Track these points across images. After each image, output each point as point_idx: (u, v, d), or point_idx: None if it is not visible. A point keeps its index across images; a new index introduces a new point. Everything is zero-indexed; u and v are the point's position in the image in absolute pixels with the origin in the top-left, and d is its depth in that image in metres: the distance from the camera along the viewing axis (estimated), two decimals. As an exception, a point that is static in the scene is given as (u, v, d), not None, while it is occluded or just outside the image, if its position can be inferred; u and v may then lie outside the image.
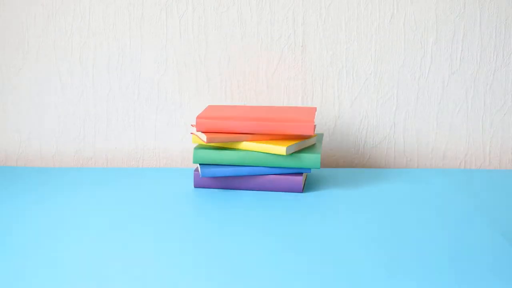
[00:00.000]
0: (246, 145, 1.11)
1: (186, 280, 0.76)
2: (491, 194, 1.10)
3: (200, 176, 1.12)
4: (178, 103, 1.31)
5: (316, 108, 1.22)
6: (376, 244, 0.88)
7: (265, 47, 1.28)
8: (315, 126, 1.11)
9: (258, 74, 1.29)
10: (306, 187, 1.14)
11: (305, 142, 1.13)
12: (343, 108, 1.30)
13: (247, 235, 0.91)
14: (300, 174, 1.11)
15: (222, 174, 1.10)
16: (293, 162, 1.09)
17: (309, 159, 1.09)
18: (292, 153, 1.10)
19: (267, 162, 1.10)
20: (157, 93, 1.30)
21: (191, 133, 1.15)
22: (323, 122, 1.31)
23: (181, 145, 1.33)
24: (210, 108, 1.21)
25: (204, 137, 1.11)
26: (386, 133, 1.31)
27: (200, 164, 1.12)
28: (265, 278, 0.77)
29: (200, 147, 1.12)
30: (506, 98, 1.29)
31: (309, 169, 1.10)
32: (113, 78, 1.30)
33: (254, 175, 1.11)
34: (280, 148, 1.08)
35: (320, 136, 1.22)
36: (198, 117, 1.12)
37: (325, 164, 1.32)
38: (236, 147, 1.11)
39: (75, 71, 1.30)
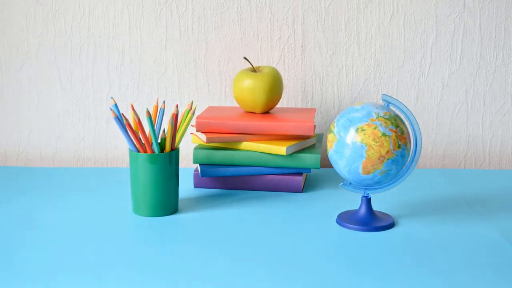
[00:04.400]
0: (246, 145, 1.11)
1: (184, 280, 0.76)
2: (491, 194, 1.10)
3: (200, 176, 1.12)
4: (178, 103, 1.31)
5: (315, 109, 1.22)
6: (376, 242, 0.88)
7: (265, 47, 1.28)
8: (315, 126, 1.11)
9: (258, 74, 1.29)
10: (306, 187, 1.14)
11: (305, 142, 1.13)
12: (343, 108, 1.30)
13: (246, 235, 0.91)
14: (300, 174, 1.11)
15: (222, 174, 1.10)
16: (293, 162, 1.09)
17: (309, 159, 1.09)
18: (292, 153, 1.10)
19: (267, 162, 1.10)
20: (157, 93, 1.30)
21: (191, 133, 1.15)
22: (323, 122, 1.31)
23: (181, 145, 1.33)
24: (210, 108, 1.21)
25: (204, 137, 1.11)
26: (386, 133, 1.31)
27: (200, 164, 1.12)
28: (265, 278, 0.77)
29: (200, 147, 1.12)
30: (506, 98, 1.29)
31: (309, 169, 1.10)
32: (113, 78, 1.30)
33: (254, 175, 1.11)
34: (280, 148, 1.08)
35: (320, 136, 1.22)
36: (198, 118, 1.12)
37: (325, 164, 1.32)
38: (236, 147, 1.11)
39: (75, 71, 1.30)
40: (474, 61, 1.28)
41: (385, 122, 0.89)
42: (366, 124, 0.89)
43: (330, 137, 0.92)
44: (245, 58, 1.16)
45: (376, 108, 0.90)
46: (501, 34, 1.27)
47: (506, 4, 1.26)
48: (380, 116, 0.89)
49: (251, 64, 1.17)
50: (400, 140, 0.90)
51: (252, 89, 1.13)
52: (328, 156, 0.93)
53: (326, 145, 0.94)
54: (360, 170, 0.90)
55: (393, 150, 0.89)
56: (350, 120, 0.90)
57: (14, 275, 0.77)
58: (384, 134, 0.89)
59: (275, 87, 1.14)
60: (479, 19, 1.27)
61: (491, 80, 1.29)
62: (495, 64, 1.28)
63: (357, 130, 0.89)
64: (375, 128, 0.89)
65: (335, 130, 0.91)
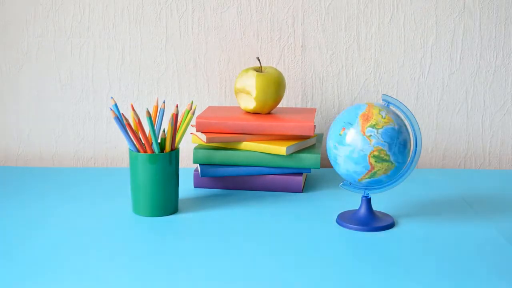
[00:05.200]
0: (246, 145, 1.11)
1: (184, 280, 0.76)
2: (491, 194, 1.10)
3: (200, 176, 1.12)
4: (178, 103, 1.31)
5: (316, 109, 1.22)
6: (376, 242, 0.88)
7: (265, 47, 1.28)
8: (315, 126, 1.11)
9: (258, 74, 1.29)
10: (306, 187, 1.14)
11: (305, 143, 1.13)
12: (343, 108, 1.30)
13: (246, 235, 0.91)
14: (300, 174, 1.11)
15: (222, 174, 1.10)
16: (293, 162, 1.09)
17: (309, 159, 1.09)
18: (292, 153, 1.10)
19: (267, 162, 1.10)
20: (157, 93, 1.30)
21: (191, 133, 1.15)
22: (322, 122, 1.31)
23: (181, 145, 1.33)
24: (210, 108, 1.21)
25: (204, 137, 1.11)
26: (386, 133, 1.31)
27: (200, 164, 1.12)
28: (264, 278, 0.77)
29: (200, 147, 1.12)
30: (506, 98, 1.29)
31: (309, 169, 1.10)
32: (112, 78, 1.30)
33: (254, 175, 1.11)
34: (280, 148, 1.08)
35: (320, 136, 1.22)
36: (198, 118, 1.12)
37: (325, 164, 1.32)
38: (236, 147, 1.11)
39: (75, 71, 1.30)
40: (474, 61, 1.28)
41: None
42: (409, 141, 0.92)
43: (384, 165, 0.89)
44: (257, 59, 1.16)
45: (401, 118, 0.92)
46: (501, 34, 1.27)
47: (506, 4, 1.26)
48: (406, 125, 0.93)
49: (260, 65, 1.16)
50: None
51: (265, 88, 1.13)
52: (373, 180, 0.91)
53: (368, 170, 0.91)
54: None
55: None
56: (404, 145, 0.90)
57: (14, 275, 0.77)
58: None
59: (282, 87, 1.15)
60: (479, 19, 1.27)
61: (491, 80, 1.29)
62: (495, 64, 1.28)
63: (409, 150, 0.92)
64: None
65: (391, 158, 0.89)
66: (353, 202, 1.06)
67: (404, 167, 0.93)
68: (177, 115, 0.98)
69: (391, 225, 0.94)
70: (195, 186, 1.13)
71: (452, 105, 1.30)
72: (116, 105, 0.98)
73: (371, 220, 0.94)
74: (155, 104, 1.09)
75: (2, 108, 1.32)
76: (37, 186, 1.14)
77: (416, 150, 0.94)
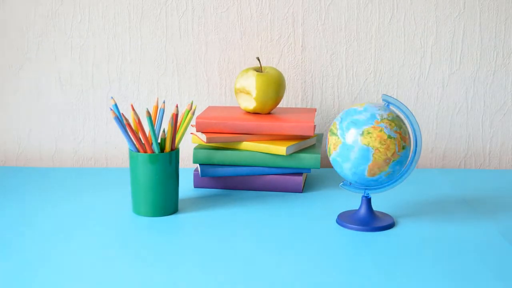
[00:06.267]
0: (246, 145, 1.11)
1: (184, 280, 0.76)
2: (491, 194, 1.10)
3: (200, 176, 1.12)
4: (178, 103, 1.31)
5: (316, 109, 1.22)
6: (376, 242, 0.88)
7: (265, 47, 1.28)
8: (315, 126, 1.11)
9: (258, 74, 1.29)
10: (306, 187, 1.14)
11: (305, 143, 1.13)
12: (343, 108, 1.30)
13: (246, 235, 0.91)
14: (300, 174, 1.11)
15: (222, 174, 1.10)
16: (293, 162, 1.09)
17: (309, 159, 1.09)
18: (292, 153, 1.10)
19: (267, 162, 1.10)
20: (157, 93, 1.30)
21: (191, 133, 1.15)
22: (322, 122, 1.31)
23: (181, 145, 1.33)
24: (210, 108, 1.21)
25: (204, 137, 1.11)
26: (386, 133, 1.31)
27: (200, 164, 1.12)
28: (264, 278, 0.77)
29: (200, 147, 1.12)
30: (506, 98, 1.29)
31: (309, 169, 1.10)
32: (113, 78, 1.30)
33: (254, 175, 1.11)
34: (280, 148, 1.08)
35: (320, 136, 1.22)
36: (198, 118, 1.12)
37: (325, 164, 1.32)
38: (236, 147, 1.11)
39: (75, 71, 1.30)
40: (474, 61, 1.28)
41: (390, 124, 0.89)
42: (372, 127, 0.89)
43: (333, 139, 0.91)
44: (257, 59, 1.16)
45: (379, 109, 0.90)
46: (501, 34, 1.27)
47: (506, 4, 1.26)
48: (384, 118, 0.89)
49: (260, 65, 1.17)
50: (404, 141, 0.90)
51: (265, 88, 1.13)
52: (331, 158, 0.93)
53: (326, 146, 0.93)
54: (366, 173, 0.90)
55: (398, 151, 0.89)
56: (355, 123, 0.89)
57: (13, 275, 0.77)
58: (389, 137, 0.88)
59: (282, 87, 1.15)
60: (479, 19, 1.27)
61: (491, 80, 1.29)
62: (495, 64, 1.28)
63: (362, 133, 0.89)
64: (380, 130, 0.88)
65: (338, 132, 0.90)
66: (353, 202, 1.06)
67: (404, 167, 0.93)
68: (177, 115, 0.98)
69: (391, 225, 0.94)
70: (195, 186, 1.13)
71: (452, 105, 1.30)
72: (116, 105, 0.98)
73: (371, 220, 0.94)
74: (155, 104, 1.09)
75: (2, 108, 1.32)
76: (37, 186, 1.14)
77: (416, 150, 0.94)
